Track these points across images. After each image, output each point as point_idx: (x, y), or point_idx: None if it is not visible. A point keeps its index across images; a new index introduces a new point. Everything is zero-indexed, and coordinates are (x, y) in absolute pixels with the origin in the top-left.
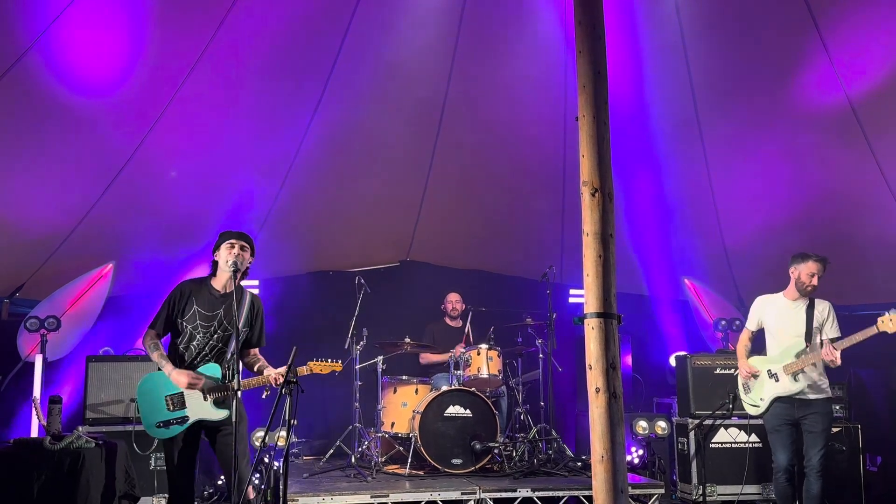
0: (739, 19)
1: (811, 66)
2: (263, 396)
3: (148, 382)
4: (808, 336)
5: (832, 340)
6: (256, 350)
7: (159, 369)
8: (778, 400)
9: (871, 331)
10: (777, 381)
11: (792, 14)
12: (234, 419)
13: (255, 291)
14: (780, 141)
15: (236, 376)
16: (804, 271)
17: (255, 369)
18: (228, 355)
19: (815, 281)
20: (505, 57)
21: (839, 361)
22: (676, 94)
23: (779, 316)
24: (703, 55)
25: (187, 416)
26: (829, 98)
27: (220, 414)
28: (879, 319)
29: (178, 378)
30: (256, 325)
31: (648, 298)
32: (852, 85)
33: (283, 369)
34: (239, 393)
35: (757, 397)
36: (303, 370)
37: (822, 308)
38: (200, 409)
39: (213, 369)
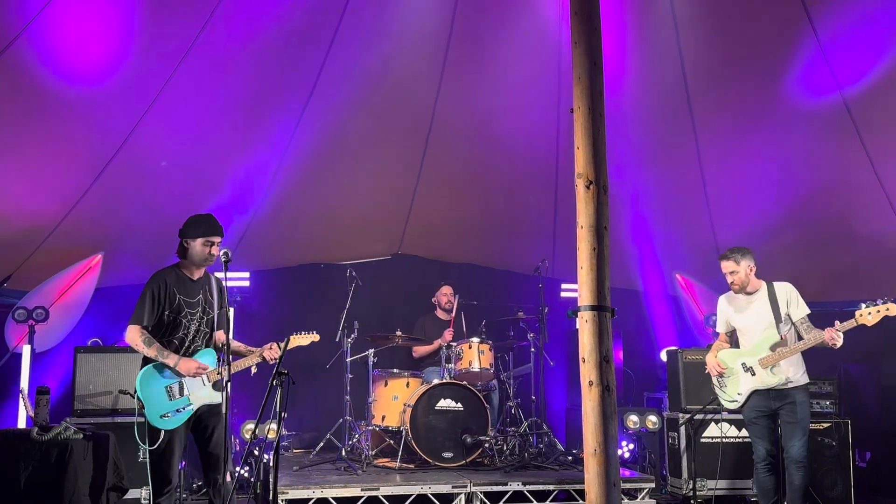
0: (733, 14)
1: (805, 61)
2: (252, 374)
3: (146, 376)
4: (778, 325)
5: (805, 318)
6: (222, 332)
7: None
8: (755, 392)
9: (851, 323)
10: (753, 374)
11: (786, 9)
12: (224, 410)
13: (244, 276)
14: (772, 137)
15: (225, 367)
16: (724, 272)
17: (232, 350)
18: (218, 340)
19: (733, 278)
20: (498, 48)
21: (840, 342)
22: (669, 88)
23: (741, 312)
24: (697, 49)
25: (190, 403)
26: (822, 94)
27: (220, 397)
28: (857, 312)
29: (187, 366)
30: (224, 307)
31: (640, 293)
32: (845, 81)
33: (270, 345)
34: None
35: (734, 392)
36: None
37: (783, 291)
38: (201, 394)
39: (208, 354)
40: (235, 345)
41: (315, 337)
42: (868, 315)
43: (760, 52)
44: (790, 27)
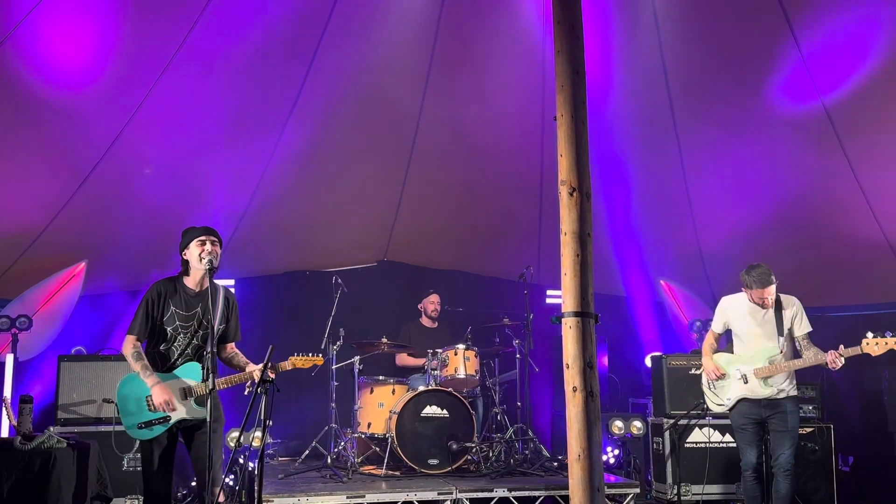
0: (715, 22)
1: (786, 69)
2: (245, 393)
3: (128, 384)
4: (779, 338)
5: (806, 336)
6: (233, 344)
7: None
8: (744, 399)
9: (856, 350)
10: (746, 382)
11: (767, 18)
12: (209, 419)
13: (230, 284)
14: (754, 143)
15: (212, 375)
16: (753, 296)
17: (234, 364)
18: (206, 353)
19: (769, 302)
20: (482, 57)
21: (840, 365)
22: (652, 96)
23: (746, 318)
24: (680, 57)
25: (169, 416)
26: (804, 101)
27: (201, 412)
28: (864, 341)
29: (157, 396)
30: (232, 320)
31: (624, 299)
32: (826, 89)
33: (269, 367)
34: (217, 393)
35: (724, 397)
36: (285, 365)
37: (791, 306)
38: (182, 408)
39: (193, 369)
40: (238, 359)
41: (318, 360)
42: (875, 346)
43: (742, 61)
44: (772, 36)
